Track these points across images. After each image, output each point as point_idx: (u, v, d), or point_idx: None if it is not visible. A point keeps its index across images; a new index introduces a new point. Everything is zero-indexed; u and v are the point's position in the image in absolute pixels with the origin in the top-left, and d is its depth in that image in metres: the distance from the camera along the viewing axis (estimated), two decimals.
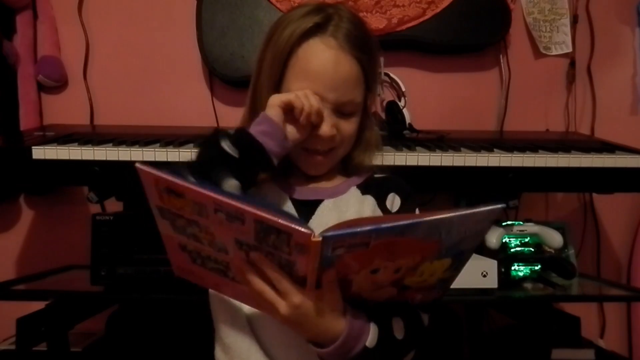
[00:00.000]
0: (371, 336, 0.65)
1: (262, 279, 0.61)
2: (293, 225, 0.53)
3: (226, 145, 0.69)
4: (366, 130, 0.84)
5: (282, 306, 0.61)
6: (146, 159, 1.06)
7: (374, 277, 0.61)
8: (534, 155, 1.12)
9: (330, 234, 0.54)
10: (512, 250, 1.28)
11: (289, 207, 0.78)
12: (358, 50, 0.75)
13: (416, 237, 0.57)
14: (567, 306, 1.45)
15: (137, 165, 0.56)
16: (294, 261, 0.58)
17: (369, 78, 0.78)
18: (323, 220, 0.76)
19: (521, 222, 1.31)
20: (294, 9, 0.79)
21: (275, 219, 0.53)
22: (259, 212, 0.54)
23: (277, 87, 0.77)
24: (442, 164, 1.10)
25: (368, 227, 0.54)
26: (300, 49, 0.74)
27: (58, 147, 1.07)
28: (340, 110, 0.76)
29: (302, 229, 0.53)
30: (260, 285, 0.61)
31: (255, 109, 0.78)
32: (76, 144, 1.10)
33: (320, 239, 0.53)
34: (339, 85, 0.74)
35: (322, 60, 0.73)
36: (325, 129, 0.75)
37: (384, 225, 0.55)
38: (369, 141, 0.84)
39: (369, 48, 0.77)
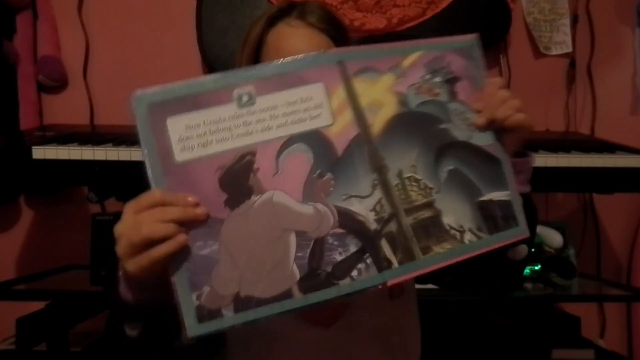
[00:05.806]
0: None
1: None
2: None
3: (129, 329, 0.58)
4: None
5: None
6: None
7: None
8: (533, 155, 1.12)
9: None
10: None
11: None
12: (325, 24, 0.74)
13: None
14: (567, 306, 1.45)
15: None
16: None
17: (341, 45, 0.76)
18: None
19: None
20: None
21: None
22: None
23: None
24: None
25: None
26: (269, 36, 0.75)
27: (58, 147, 1.07)
28: None
29: None
30: None
31: None
32: (76, 143, 1.10)
33: None
34: None
35: (291, 41, 0.74)
36: None
37: None
38: None
39: (337, 23, 0.77)
